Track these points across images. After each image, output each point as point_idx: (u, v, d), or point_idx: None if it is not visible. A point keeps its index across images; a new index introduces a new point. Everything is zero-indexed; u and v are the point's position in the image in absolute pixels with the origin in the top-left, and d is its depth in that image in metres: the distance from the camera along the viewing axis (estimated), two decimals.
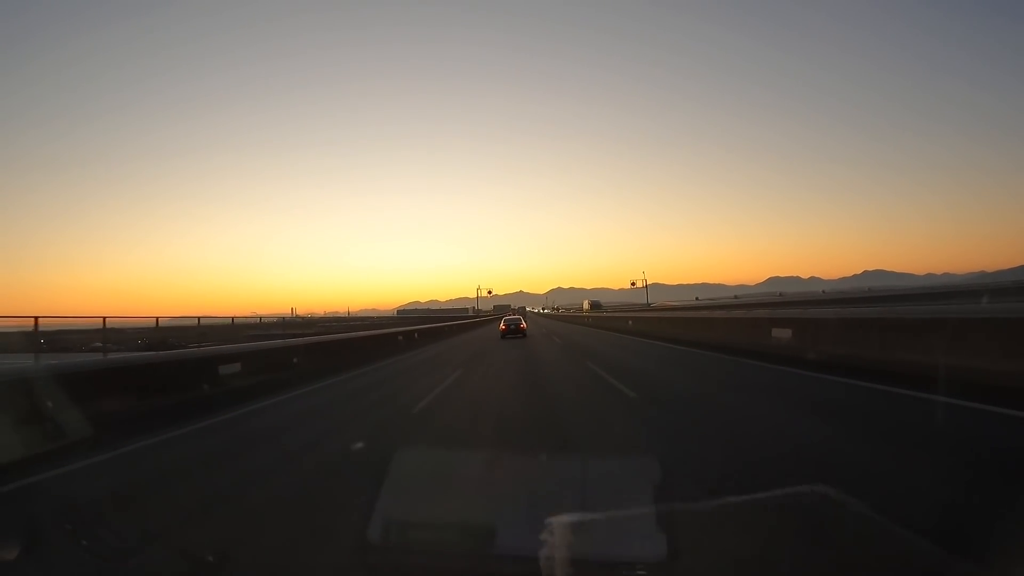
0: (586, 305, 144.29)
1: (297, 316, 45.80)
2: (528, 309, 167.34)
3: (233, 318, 28.01)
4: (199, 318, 23.11)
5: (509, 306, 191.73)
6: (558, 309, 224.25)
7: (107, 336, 18.31)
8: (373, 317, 63.80)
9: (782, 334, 12.35)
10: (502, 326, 33.06)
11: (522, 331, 31.81)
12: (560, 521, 2.23)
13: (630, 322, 31.54)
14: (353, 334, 20.84)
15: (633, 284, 77.42)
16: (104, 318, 16.27)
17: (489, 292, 75.80)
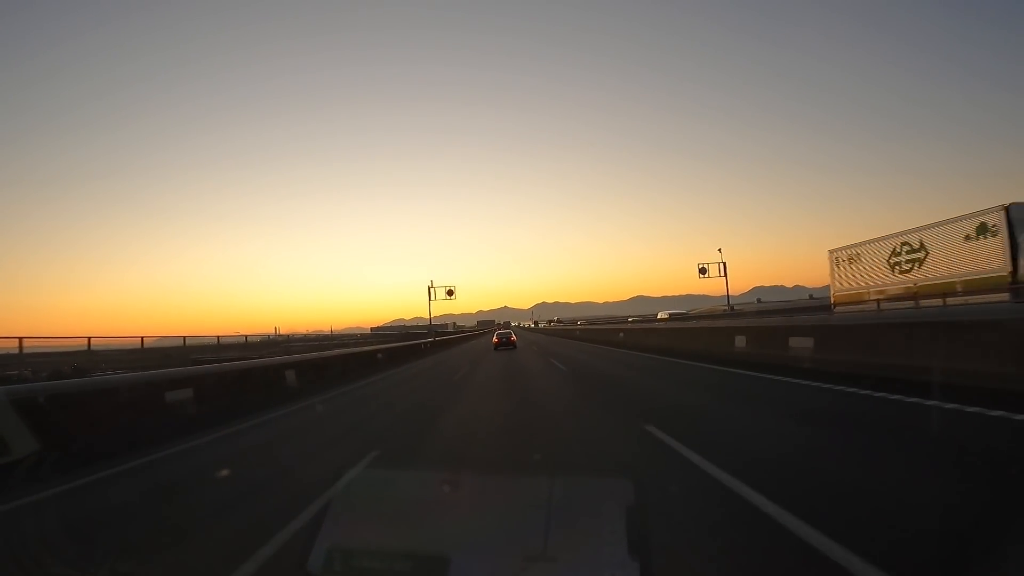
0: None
1: (280, 335, 43.84)
2: (513, 324, 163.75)
3: (219, 337, 26.84)
4: (184, 338, 22.08)
5: (494, 321, 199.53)
6: (553, 322, 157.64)
7: (56, 361, 16.96)
8: (356, 335, 62.06)
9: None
10: (495, 339, 37.11)
11: (512, 343, 35.28)
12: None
13: None
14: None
15: (703, 272, 45.66)
16: (89, 339, 15.56)
17: (450, 293, 52.34)
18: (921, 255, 22.87)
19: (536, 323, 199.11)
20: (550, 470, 5.11)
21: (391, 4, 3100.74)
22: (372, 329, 73.58)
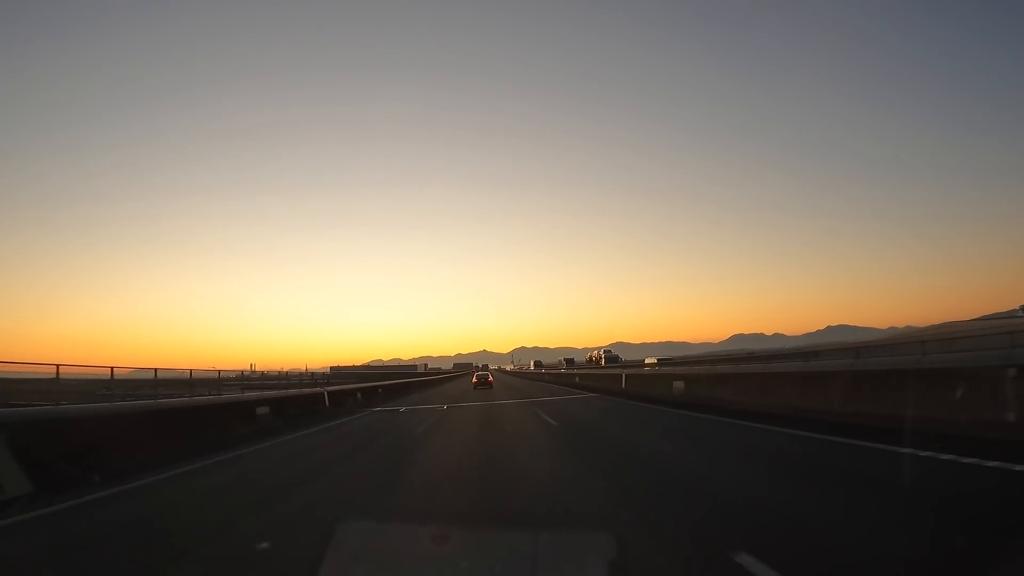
0: None
1: (255, 371, 43.24)
2: (491, 367, 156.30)
3: (192, 371, 26.99)
4: (155, 370, 21.23)
5: (471, 364, 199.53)
6: (598, 358, 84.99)
7: None
8: (320, 375, 55.71)
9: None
10: (474, 380, 42.32)
11: (489, 384, 39.71)
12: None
13: None
14: None
15: None
16: (58, 366, 14.03)
17: None
18: None
19: (537, 364, 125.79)
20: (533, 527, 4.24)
21: (373, 41, 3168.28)
22: (331, 368, 67.73)
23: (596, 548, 3.17)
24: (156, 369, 21.10)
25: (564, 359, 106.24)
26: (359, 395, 26.13)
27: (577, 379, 40.95)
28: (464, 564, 3.30)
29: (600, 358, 75.33)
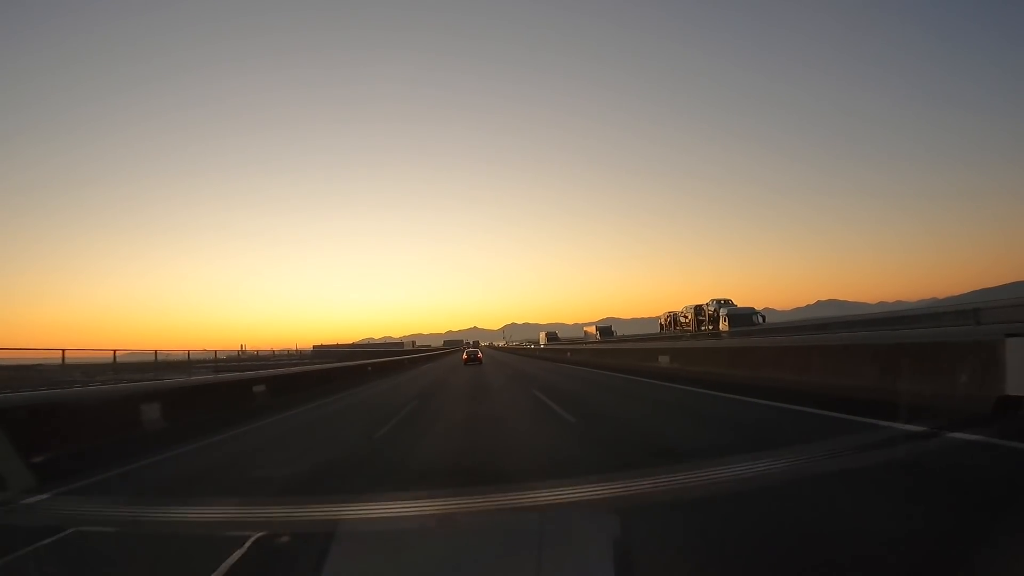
0: None
1: (246, 351, 42.95)
2: (482, 344, 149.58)
3: (189, 352, 28.37)
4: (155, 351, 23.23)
5: (462, 341, 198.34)
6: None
7: None
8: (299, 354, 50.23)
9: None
10: (464, 356, 41.91)
11: (479, 360, 38.98)
12: None
13: None
14: None
15: None
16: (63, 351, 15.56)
17: None
18: None
19: (551, 337, 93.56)
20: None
21: (357, 22, 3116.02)
22: (314, 347, 60.61)
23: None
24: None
25: (597, 328, 74.64)
26: (156, 409, 9.29)
27: (674, 365, 18.60)
28: None
29: (718, 315, 41.65)
